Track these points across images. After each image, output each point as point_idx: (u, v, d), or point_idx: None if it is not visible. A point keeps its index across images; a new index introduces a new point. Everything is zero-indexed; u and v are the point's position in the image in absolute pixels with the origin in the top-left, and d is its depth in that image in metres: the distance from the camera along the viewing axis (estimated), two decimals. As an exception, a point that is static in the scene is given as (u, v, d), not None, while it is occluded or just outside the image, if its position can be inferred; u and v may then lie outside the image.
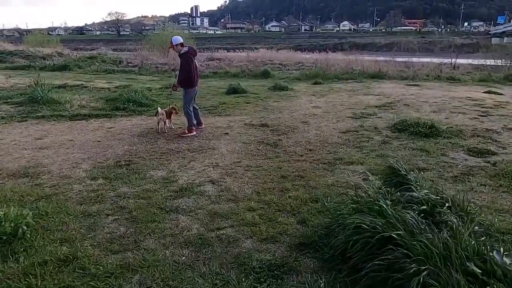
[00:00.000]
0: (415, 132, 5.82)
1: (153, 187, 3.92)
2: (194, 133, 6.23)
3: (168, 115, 6.40)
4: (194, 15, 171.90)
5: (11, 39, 47.93)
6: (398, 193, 2.58)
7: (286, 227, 3.07)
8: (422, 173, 3.56)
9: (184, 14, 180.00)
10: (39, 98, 8.30)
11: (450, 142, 5.43)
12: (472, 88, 11.87)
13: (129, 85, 12.12)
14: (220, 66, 20.28)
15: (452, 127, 6.26)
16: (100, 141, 5.77)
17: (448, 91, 10.92)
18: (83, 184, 4.05)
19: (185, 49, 6.05)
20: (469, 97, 9.58)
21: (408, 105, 8.60)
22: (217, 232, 3.00)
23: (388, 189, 2.65)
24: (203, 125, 6.48)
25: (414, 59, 19.93)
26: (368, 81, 13.69)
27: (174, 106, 6.66)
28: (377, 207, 2.31)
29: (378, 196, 2.43)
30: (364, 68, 15.57)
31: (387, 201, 2.35)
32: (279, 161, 4.82)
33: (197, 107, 6.50)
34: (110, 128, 6.60)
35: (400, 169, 2.94)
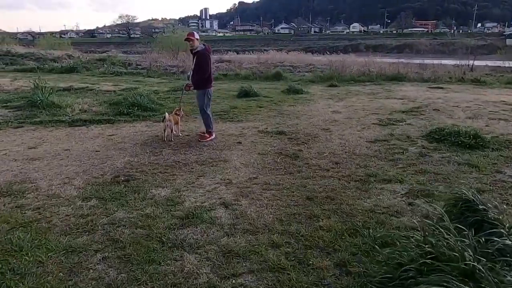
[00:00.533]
0: (456, 142, 5.06)
1: (154, 212, 3.26)
2: (214, 135, 5.73)
3: (176, 121, 5.77)
4: (203, 17, 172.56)
5: (24, 42, 48.57)
6: (482, 240, 1.87)
7: (323, 273, 2.38)
8: (504, 206, 2.80)
9: (194, 17, 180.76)
10: (39, 102, 7.75)
11: (501, 156, 4.65)
12: (503, 91, 10.98)
13: (135, 88, 11.56)
14: (229, 68, 19.73)
15: (497, 137, 5.48)
16: (98, 151, 5.15)
17: (477, 94, 10.07)
18: (72, 206, 3.41)
19: (202, 46, 5.48)
20: (504, 102, 8.74)
21: (438, 110, 7.80)
22: (233, 281, 2.31)
23: (465, 231, 1.93)
24: (214, 134, 5.83)
25: (427, 61, 18.92)
26: (387, 83, 12.89)
27: (179, 108, 6.03)
28: (463, 266, 1.61)
29: (460, 246, 1.72)
30: (382, 70, 14.76)
31: (476, 255, 1.64)
32: (302, 177, 4.12)
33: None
34: (111, 135, 5.99)
35: (476, 201, 2.21)
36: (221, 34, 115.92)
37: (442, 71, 15.13)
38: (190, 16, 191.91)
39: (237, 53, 37.96)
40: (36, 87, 8.25)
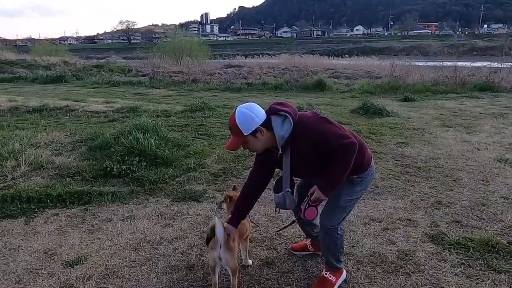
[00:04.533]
0: None
1: None
2: (344, 274, 2.19)
3: (242, 232, 2.22)
4: (204, 22, 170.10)
5: (22, 49, 46.09)
6: None
7: None
8: None
9: (194, 22, 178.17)
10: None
11: None
12: None
13: (136, 107, 8.05)
14: (244, 75, 16.36)
15: None
16: None
17: None
18: None
19: (287, 125, 1.83)
20: None
21: None
22: None
23: None
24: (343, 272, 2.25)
25: (449, 63, 15.00)
26: (482, 95, 9.38)
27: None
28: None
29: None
30: (457, 76, 11.22)
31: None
32: None
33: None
34: (71, 264, 2.43)
35: None
36: (222, 39, 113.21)
37: (510, 75, 11.40)
38: (191, 21, 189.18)
39: (245, 57, 34.80)
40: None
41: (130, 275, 2.26)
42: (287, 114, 1.82)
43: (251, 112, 1.83)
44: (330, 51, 46.50)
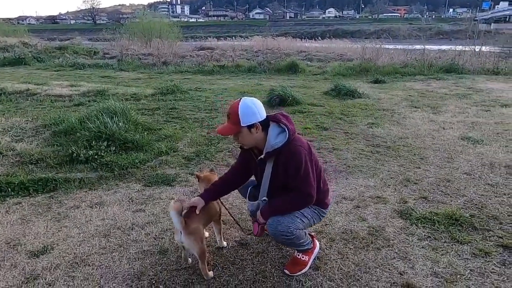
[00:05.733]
0: None
1: None
2: (317, 249, 2.24)
3: (210, 214, 2.20)
4: (174, 2, 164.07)
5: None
6: None
7: None
8: None
9: (163, 2, 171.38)
10: None
11: None
12: None
13: (103, 90, 7.71)
14: (216, 58, 16.06)
15: None
16: None
17: None
18: None
19: (281, 138, 1.89)
20: None
21: None
22: None
23: None
24: (316, 243, 2.28)
25: (418, 46, 15.29)
26: (448, 76, 9.72)
27: (212, 170, 2.44)
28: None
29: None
30: (424, 59, 11.54)
31: None
32: None
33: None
34: (36, 254, 2.32)
35: None
36: (193, 20, 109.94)
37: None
38: (160, 1, 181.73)
39: (218, 40, 34.02)
40: None
41: (101, 262, 2.19)
42: (286, 129, 1.88)
43: (255, 107, 1.87)
44: (303, 34, 46.42)
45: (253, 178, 2.20)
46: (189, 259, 2.14)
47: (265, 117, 1.91)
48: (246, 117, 1.84)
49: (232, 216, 2.34)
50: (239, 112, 1.83)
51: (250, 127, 1.86)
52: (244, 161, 2.11)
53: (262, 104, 1.93)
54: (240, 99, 1.89)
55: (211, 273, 2.03)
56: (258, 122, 1.87)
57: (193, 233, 1.92)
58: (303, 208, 1.98)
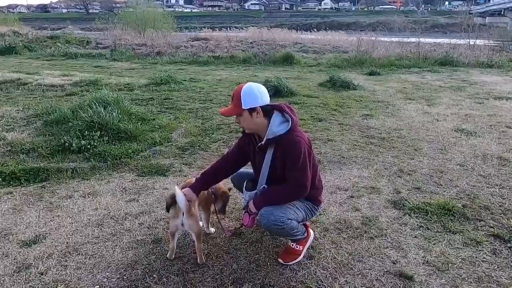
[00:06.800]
0: None
1: None
2: (311, 237, 2.24)
3: (206, 203, 2.21)
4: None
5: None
6: None
7: None
8: None
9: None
10: None
11: None
12: None
13: (96, 80, 7.61)
14: (211, 48, 15.91)
15: None
16: None
17: None
18: None
19: (284, 126, 1.92)
20: None
21: None
22: None
23: None
24: (311, 232, 2.27)
25: (413, 39, 15.22)
26: (443, 69, 9.75)
27: (225, 190, 2.39)
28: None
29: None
30: (420, 51, 11.56)
31: None
32: None
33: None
34: (26, 247, 2.30)
35: None
36: (188, 10, 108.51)
37: (467, 51, 11.91)
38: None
39: (213, 30, 33.65)
40: None
41: (94, 252, 2.17)
42: (290, 119, 1.91)
43: (258, 91, 1.90)
44: (298, 25, 46.08)
45: (248, 171, 2.20)
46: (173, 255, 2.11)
47: (267, 103, 1.92)
48: (248, 100, 1.87)
49: (217, 216, 2.34)
50: (241, 95, 1.87)
51: (251, 111, 1.88)
52: (241, 147, 2.12)
53: (267, 91, 1.95)
54: (246, 82, 1.93)
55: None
56: (260, 106, 1.88)
57: (194, 214, 2.00)
58: (296, 199, 1.98)
